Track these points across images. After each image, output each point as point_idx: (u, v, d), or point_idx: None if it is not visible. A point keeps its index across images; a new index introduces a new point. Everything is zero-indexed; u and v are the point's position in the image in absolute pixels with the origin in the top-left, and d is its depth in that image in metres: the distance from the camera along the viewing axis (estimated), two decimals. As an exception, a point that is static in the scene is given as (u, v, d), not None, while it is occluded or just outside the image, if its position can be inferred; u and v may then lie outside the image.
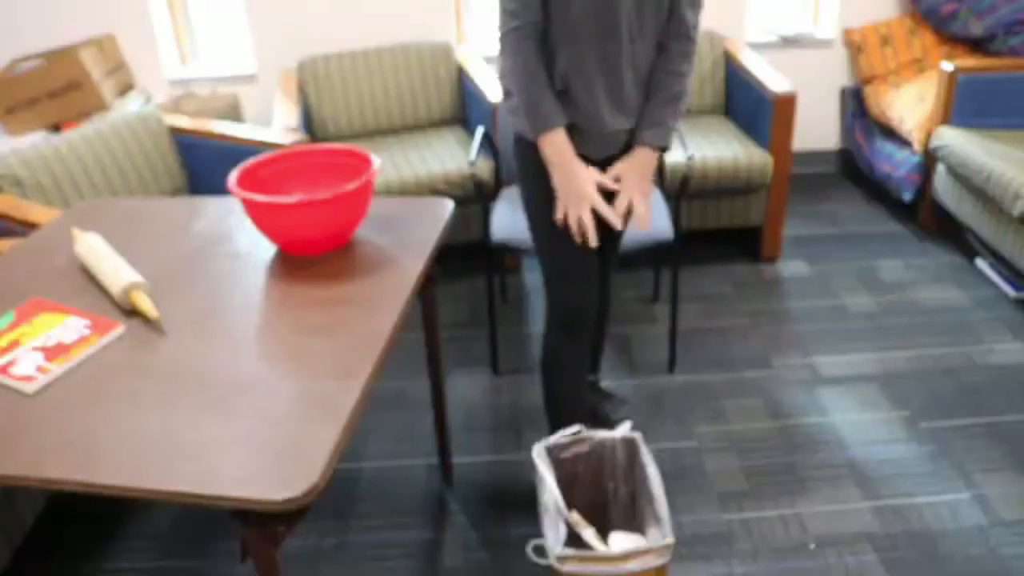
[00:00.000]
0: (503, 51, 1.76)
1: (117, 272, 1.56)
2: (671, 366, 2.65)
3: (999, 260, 3.09)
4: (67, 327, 1.47)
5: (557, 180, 1.79)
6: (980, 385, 2.53)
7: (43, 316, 1.50)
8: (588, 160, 1.81)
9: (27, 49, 3.44)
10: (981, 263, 3.14)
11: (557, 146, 1.76)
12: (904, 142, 3.48)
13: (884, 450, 2.30)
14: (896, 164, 3.47)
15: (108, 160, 2.65)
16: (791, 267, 3.25)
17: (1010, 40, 3.46)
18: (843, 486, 2.18)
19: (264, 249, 1.72)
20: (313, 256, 1.68)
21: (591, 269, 1.92)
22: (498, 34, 1.75)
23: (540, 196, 1.87)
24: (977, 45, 3.62)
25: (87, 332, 1.45)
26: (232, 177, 1.67)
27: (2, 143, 3.10)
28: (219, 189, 1.74)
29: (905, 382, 2.56)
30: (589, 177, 1.77)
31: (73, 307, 1.53)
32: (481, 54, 3.62)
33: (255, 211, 1.62)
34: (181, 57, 3.83)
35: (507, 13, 1.71)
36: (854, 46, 3.81)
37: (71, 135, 2.64)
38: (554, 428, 2.02)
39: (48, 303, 1.54)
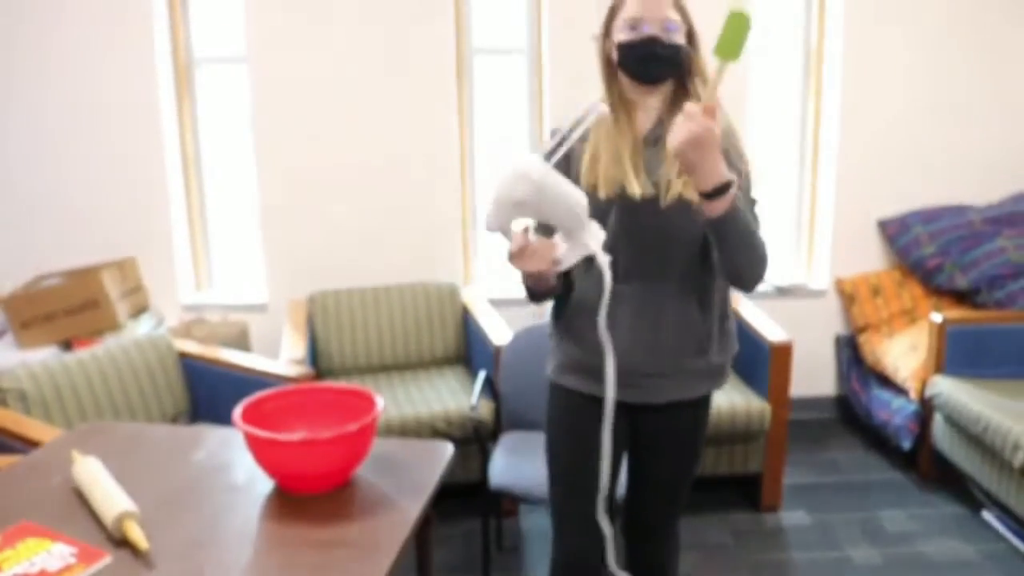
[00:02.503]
0: None
1: (111, 499, 1.54)
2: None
3: (1004, 511, 3.03)
4: (52, 554, 1.43)
5: None
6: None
7: (30, 541, 1.47)
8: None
9: (54, 266, 3.57)
10: (988, 515, 3.08)
11: None
12: (900, 390, 3.52)
13: None
14: (893, 412, 3.49)
15: (114, 380, 2.69)
16: (792, 516, 3.18)
17: (994, 293, 3.60)
18: None
19: (262, 483, 1.70)
20: (311, 493, 1.67)
21: (590, 523, 1.79)
22: None
23: (552, 437, 1.91)
24: (963, 297, 3.74)
25: (72, 560, 1.42)
26: (237, 410, 1.69)
27: (13, 356, 3.15)
28: (222, 414, 1.76)
29: (917, 644, 2.44)
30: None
31: (62, 533, 1.50)
32: (486, 296, 3.74)
33: (256, 446, 1.63)
34: (197, 284, 3.98)
35: None
36: (846, 296, 3.95)
37: (81, 353, 2.70)
38: None
39: (36, 527, 1.51)
